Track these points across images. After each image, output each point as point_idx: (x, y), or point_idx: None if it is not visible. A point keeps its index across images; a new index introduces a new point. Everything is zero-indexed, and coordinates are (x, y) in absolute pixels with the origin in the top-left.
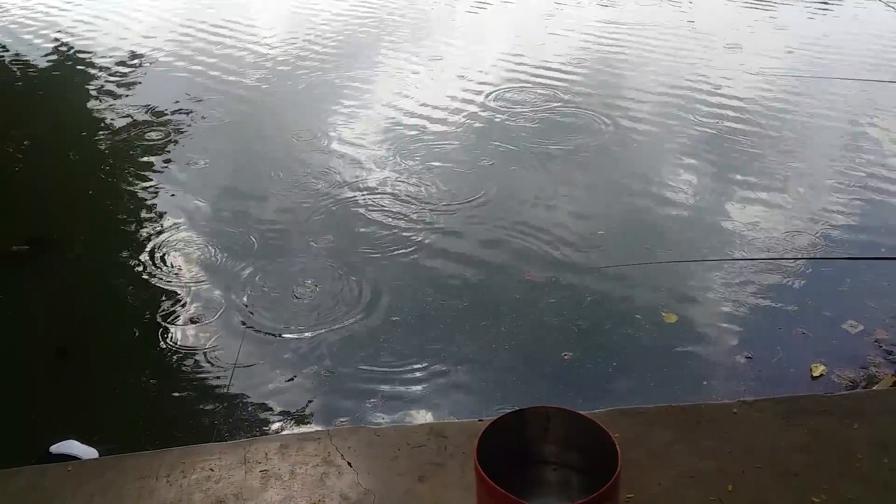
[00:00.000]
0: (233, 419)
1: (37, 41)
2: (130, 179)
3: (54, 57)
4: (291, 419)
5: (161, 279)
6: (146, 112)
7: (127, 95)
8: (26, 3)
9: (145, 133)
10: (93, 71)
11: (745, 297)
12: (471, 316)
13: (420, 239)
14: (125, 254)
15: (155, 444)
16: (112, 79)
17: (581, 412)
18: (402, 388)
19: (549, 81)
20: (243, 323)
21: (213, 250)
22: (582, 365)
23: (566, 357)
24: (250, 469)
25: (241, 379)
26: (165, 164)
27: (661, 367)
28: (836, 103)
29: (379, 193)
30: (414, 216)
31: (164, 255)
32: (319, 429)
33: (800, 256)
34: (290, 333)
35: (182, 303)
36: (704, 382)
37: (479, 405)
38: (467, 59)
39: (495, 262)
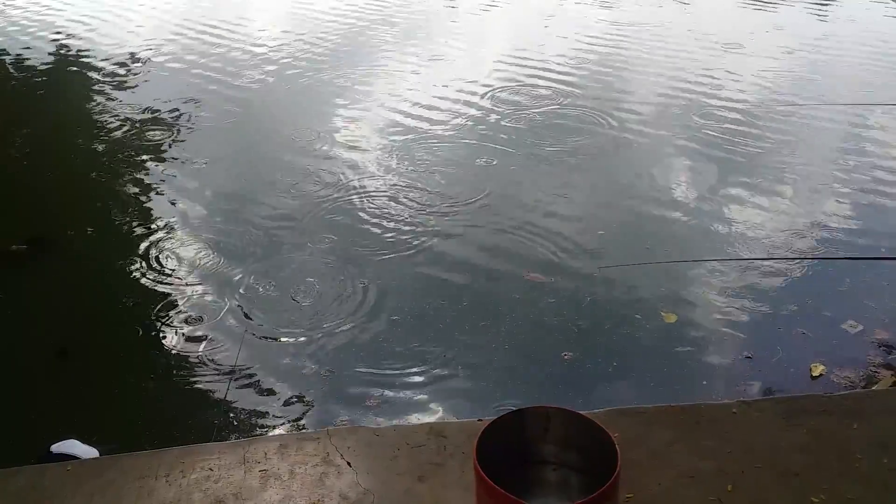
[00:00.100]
0: (232, 419)
1: (36, 42)
2: (130, 179)
3: (54, 57)
4: (291, 419)
5: (160, 279)
6: (146, 112)
7: (126, 95)
8: (26, 4)
9: (145, 133)
10: (93, 71)
11: (744, 298)
12: (471, 316)
13: (420, 239)
14: (125, 254)
15: (154, 444)
16: (112, 79)
17: (581, 412)
18: (401, 388)
19: (549, 82)
20: (245, 317)
21: (212, 250)
22: (582, 365)
23: (566, 357)
24: (249, 469)
25: (241, 379)
26: (165, 164)
27: (661, 367)
28: (837, 103)
29: (379, 194)
30: (414, 216)
31: (163, 254)
32: (319, 428)
33: (800, 257)
34: (290, 333)
35: (182, 302)
36: (704, 382)
37: (478, 405)
38: (468, 59)
39: (495, 263)
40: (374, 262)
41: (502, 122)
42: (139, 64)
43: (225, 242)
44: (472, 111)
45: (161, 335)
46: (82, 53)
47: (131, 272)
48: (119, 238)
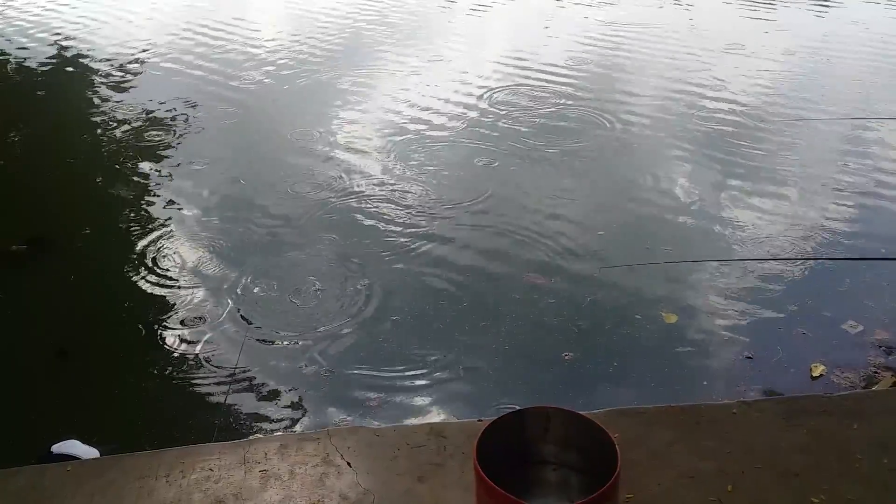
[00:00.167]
0: (232, 419)
1: (36, 42)
2: (130, 179)
3: (54, 58)
4: (291, 419)
5: (161, 279)
6: (145, 112)
7: (126, 96)
8: (26, 4)
9: (145, 133)
10: (92, 72)
11: (745, 298)
12: (471, 316)
13: (420, 240)
14: (125, 254)
15: (154, 444)
16: (112, 79)
17: (581, 412)
18: (401, 388)
19: (549, 83)
20: (245, 318)
21: (212, 251)
22: (582, 365)
23: (566, 357)
24: (250, 469)
25: (241, 379)
26: (165, 165)
27: (661, 367)
28: (837, 104)
29: (379, 194)
30: (414, 217)
31: (163, 255)
32: (319, 429)
33: (800, 257)
34: (290, 333)
35: (182, 302)
36: (704, 382)
37: (478, 405)
38: (468, 60)
39: (495, 263)
40: (374, 263)
41: (502, 124)
42: (138, 65)
43: (224, 243)
44: (472, 112)
45: (161, 335)
46: (82, 54)
47: (131, 272)
48: (119, 238)
